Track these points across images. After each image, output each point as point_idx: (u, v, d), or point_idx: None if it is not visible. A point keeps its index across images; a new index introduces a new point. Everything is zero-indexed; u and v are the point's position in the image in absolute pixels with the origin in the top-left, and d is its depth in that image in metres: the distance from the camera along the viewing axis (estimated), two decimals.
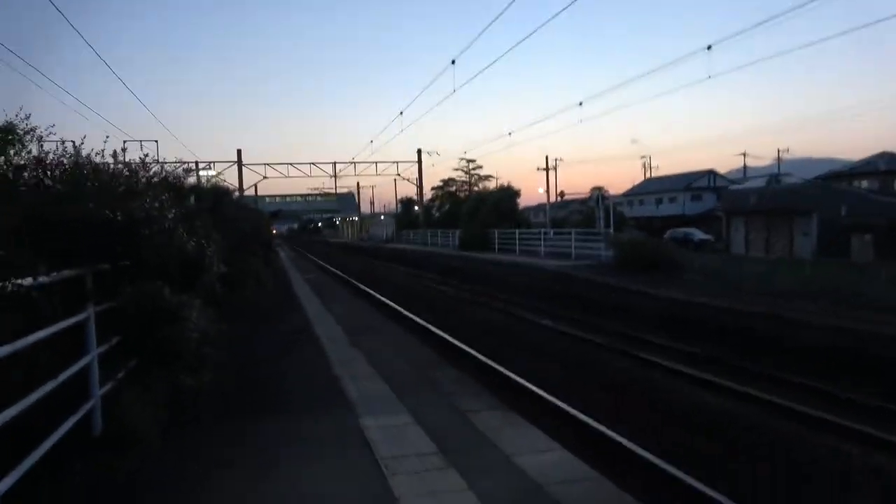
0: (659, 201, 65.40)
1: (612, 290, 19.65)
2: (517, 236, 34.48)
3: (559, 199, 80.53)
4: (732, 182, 64.34)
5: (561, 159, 56.96)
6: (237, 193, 42.98)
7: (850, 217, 35.13)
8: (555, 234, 33.63)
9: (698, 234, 47.88)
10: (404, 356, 9.57)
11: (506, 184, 42.28)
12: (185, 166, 15.29)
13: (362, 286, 23.46)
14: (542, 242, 31.84)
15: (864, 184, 49.05)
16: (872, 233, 33.09)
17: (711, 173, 64.46)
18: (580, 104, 33.32)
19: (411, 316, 15.40)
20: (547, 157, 43.22)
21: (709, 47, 21.00)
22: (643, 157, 71.13)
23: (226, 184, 15.15)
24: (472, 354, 10.94)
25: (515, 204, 40.08)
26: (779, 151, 62.17)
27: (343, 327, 12.45)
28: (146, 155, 8.11)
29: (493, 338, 13.52)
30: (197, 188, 15.55)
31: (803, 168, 79.07)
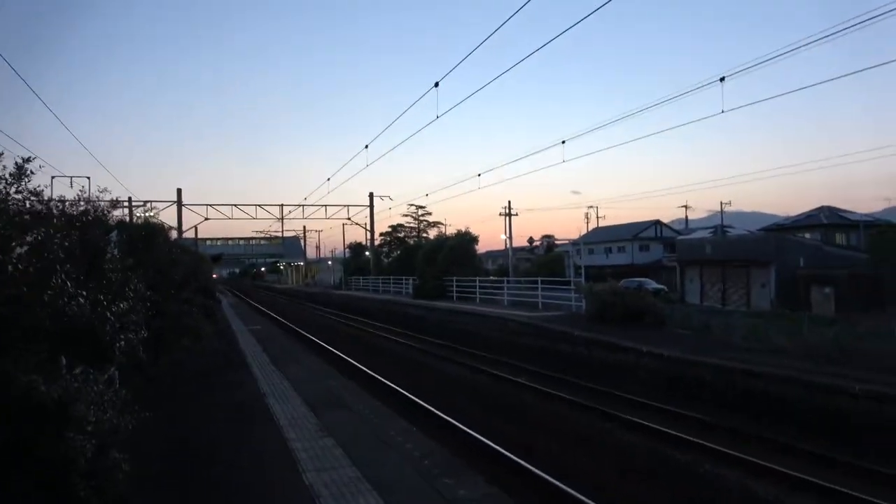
0: (608, 251, 64.75)
1: (600, 347, 17.44)
2: (478, 284, 32.22)
3: (504, 246, 79.53)
4: (678, 233, 64.37)
5: (507, 208, 55.66)
6: (175, 234, 39.46)
7: (808, 268, 34.46)
8: (517, 282, 31.52)
9: (652, 284, 46.73)
10: (394, 448, 6.99)
11: (455, 231, 40.19)
12: (112, 199, 12.45)
13: (316, 340, 20.64)
14: (506, 291, 29.65)
15: (807, 236, 49.33)
16: (833, 285, 32.38)
17: (657, 224, 64.38)
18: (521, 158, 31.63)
19: (384, 381, 12.75)
20: (509, 203, 41.33)
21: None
22: (591, 207, 70.80)
23: (161, 223, 12.39)
24: (491, 449, 8.43)
25: (474, 250, 37.92)
26: (721, 204, 62.57)
27: (304, 399, 9.76)
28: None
29: (487, 410, 11.06)
30: (123, 224, 12.71)
31: (738, 221, 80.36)
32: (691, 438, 9.30)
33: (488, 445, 8.26)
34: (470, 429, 9.00)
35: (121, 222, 12.91)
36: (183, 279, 12.43)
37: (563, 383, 14.32)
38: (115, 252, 9.80)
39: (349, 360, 15.98)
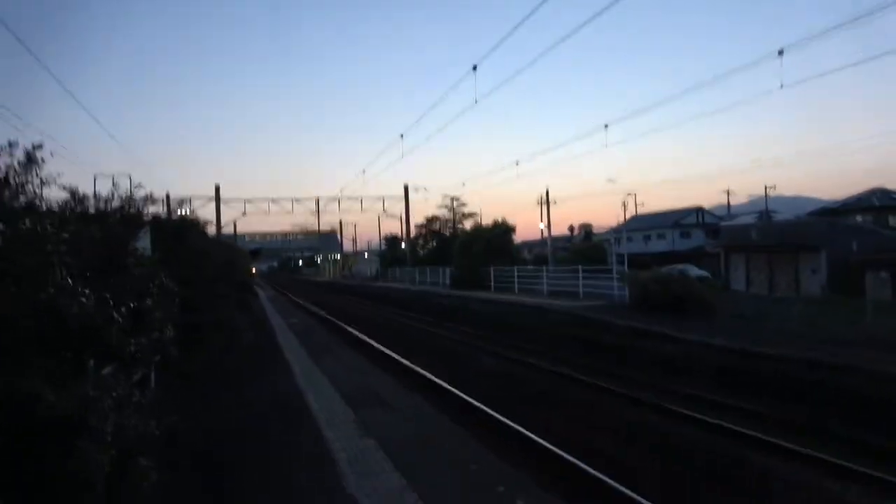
0: (647, 238, 63.20)
1: (647, 337, 16.66)
2: (516, 273, 31.53)
3: (541, 235, 78.35)
4: (720, 219, 62.49)
5: (546, 196, 54.73)
6: (213, 230, 39.73)
7: (862, 253, 32.84)
8: (557, 271, 30.74)
9: (695, 271, 45.30)
10: (447, 459, 6.44)
11: (492, 221, 39.44)
12: (146, 195, 12.16)
13: (355, 331, 20.25)
14: (545, 280, 28.91)
15: (859, 219, 47.28)
16: (889, 269, 30.78)
17: (699, 210, 62.59)
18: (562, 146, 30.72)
19: (426, 374, 12.21)
20: (547, 191, 40.43)
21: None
22: (629, 194, 68.80)
23: (196, 217, 12.07)
24: (552, 453, 7.78)
25: (511, 240, 37.22)
26: (766, 188, 60.42)
27: (342, 394, 9.31)
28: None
29: (533, 405, 10.45)
30: (157, 220, 12.41)
31: (781, 206, 77.63)
32: (761, 436, 8.57)
33: (548, 448, 7.59)
34: (523, 427, 8.38)
35: (155, 218, 12.63)
36: (217, 273, 12.10)
37: (611, 376, 13.62)
38: (144, 247, 9.48)
39: (388, 352, 15.51)
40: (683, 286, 20.53)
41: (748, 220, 56.10)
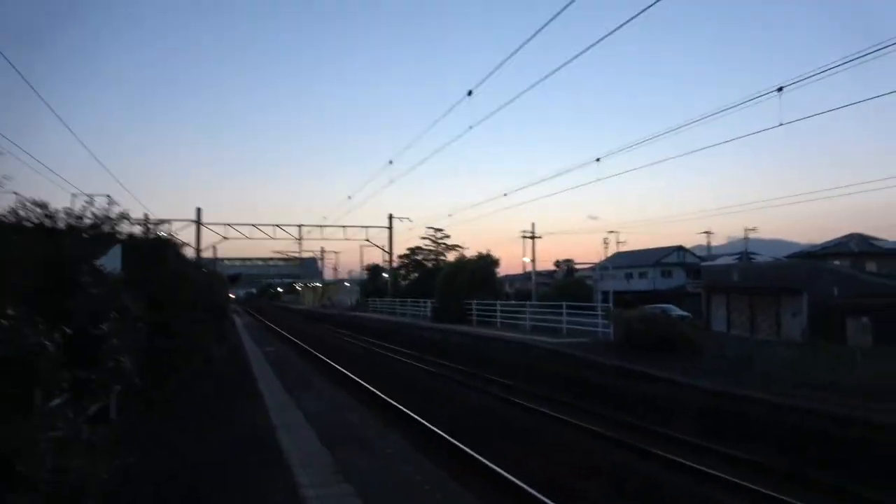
0: (629, 276, 63.28)
1: (633, 377, 16.23)
2: (498, 308, 31.09)
3: (523, 269, 78.16)
4: (701, 259, 62.82)
5: (532, 230, 54.80)
6: (193, 253, 38.91)
7: (842, 297, 32.89)
8: (540, 307, 30.34)
9: (676, 311, 45.22)
10: (423, 499, 5.92)
11: (474, 253, 39.05)
12: (121, 213, 11.61)
13: (334, 364, 19.61)
14: (528, 316, 28.48)
15: (837, 264, 47.70)
16: (869, 315, 30.81)
17: (680, 249, 62.94)
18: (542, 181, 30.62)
19: (407, 412, 11.65)
20: (533, 225, 40.22)
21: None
22: (611, 231, 68.75)
23: (172, 237, 11.50)
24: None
25: (494, 273, 36.82)
26: (746, 231, 60.90)
27: (319, 434, 8.71)
28: None
29: (519, 445, 9.94)
30: (133, 239, 11.83)
31: (758, 248, 78.38)
32: (756, 488, 8.14)
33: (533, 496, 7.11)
34: (509, 473, 7.86)
35: (131, 237, 12.06)
36: (194, 297, 11.51)
37: (595, 416, 13.14)
38: (114, 267, 8.90)
39: (368, 386, 14.93)
40: (668, 326, 20.25)
41: (728, 261, 56.39)
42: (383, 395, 13.47)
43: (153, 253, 10.73)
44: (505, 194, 29.38)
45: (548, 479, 8.20)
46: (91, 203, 10.75)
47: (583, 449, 10.41)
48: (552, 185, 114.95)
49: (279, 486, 6.16)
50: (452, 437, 9.59)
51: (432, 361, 22.56)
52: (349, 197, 34.01)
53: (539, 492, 7.08)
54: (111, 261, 8.97)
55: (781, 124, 13.63)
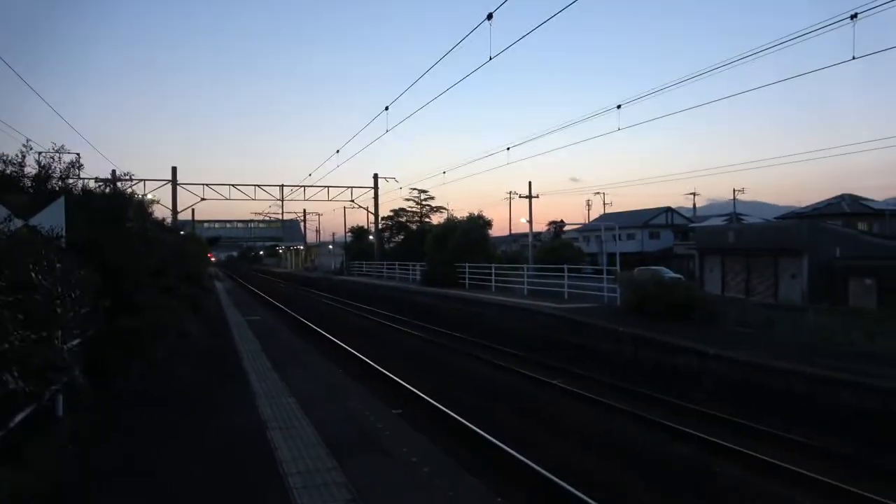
0: (617, 238, 61.88)
1: (653, 347, 14.61)
2: (493, 271, 29.33)
3: (510, 232, 76.36)
4: (689, 220, 61.61)
5: (517, 192, 53.06)
6: (169, 216, 36.60)
7: (845, 259, 31.67)
8: (538, 269, 28.62)
9: (669, 273, 43.98)
10: None
11: (460, 216, 37.02)
12: (72, 161, 9.50)
13: (326, 334, 17.78)
14: (525, 279, 26.78)
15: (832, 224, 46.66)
16: (873, 276, 29.64)
17: (669, 211, 61.57)
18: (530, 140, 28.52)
19: (434, 403, 9.83)
20: (530, 184, 38.11)
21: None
22: (597, 193, 66.54)
23: (133, 192, 9.38)
24: None
25: (487, 235, 34.94)
26: (734, 192, 59.65)
27: (319, 429, 6.91)
28: None
29: (551, 432, 8.25)
30: (88, 193, 9.75)
31: (742, 210, 77.38)
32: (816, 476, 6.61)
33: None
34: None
35: (83, 190, 9.95)
36: (162, 263, 9.49)
37: (631, 396, 11.52)
38: (53, 225, 6.89)
39: (368, 361, 13.13)
40: (685, 291, 18.72)
41: (718, 222, 55.18)
42: (387, 373, 11.70)
43: (111, 210, 8.67)
44: (508, 148, 27.30)
45: (606, 481, 6.55)
46: (27, 147, 8.65)
47: (633, 439, 8.76)
48: (547, 142, 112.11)
49: None
50: (487, 434, 7.88)
51: (430, 329, 20.86)
52: (337, 151, 31.77)
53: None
54: (50, 217, 6.94)
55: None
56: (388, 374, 11.76)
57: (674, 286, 18.83)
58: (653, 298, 18.41)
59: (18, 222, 6.59)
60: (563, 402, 11.25)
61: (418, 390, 10.32)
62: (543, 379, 12.82)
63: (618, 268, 22.51)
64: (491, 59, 14.45)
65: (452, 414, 8.94)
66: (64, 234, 7.02)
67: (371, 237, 55.25)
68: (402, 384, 10.84)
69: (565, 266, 24.64)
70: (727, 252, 38.62)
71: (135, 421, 7.20)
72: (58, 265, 5.99)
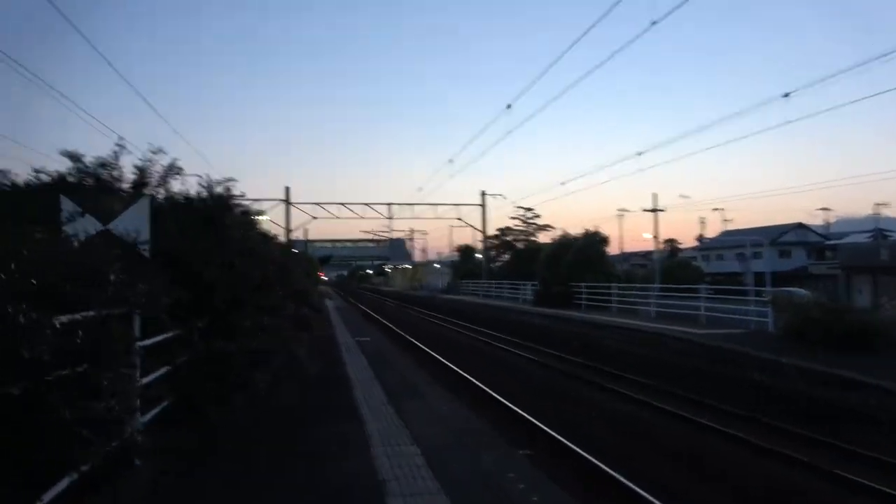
0: (741, 257, 56.70)
1: (840, 387, 11.79)
2: (614, 291, 26.75)
3: (620, 251, 72.30)
4: (824, 237, 55.57)
5: (626, 210, 49.87)
6: (281, 236, 36.70)
7: None
8: (668, 289, 25.70)
9: (805, 294, 39.31)
10: None
11: (582, 231, 34.51)
12: (170, 164, 8.37)
13: (443, 360, 16.24)
14: (653, 301, 24.03)
15: None
16: None
17: (801, 227, 55.83)
18: (638, 154, 26.10)
19: (584, 455, 7.85)
20: (655, 196, 34.96)
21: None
22: (715, 209, 60.86)
23: (230, 192, 8.09)
24: None
25: (604, 253, 32.35)
26: (876, 206, 53.07)
27: (452, 496, 5.11)
28: None
29: None
30: (189, 200, 8.59)
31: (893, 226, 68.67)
32: None
33: None
34: None
35: (186, 198, 8.82)
36: (265, 279, 8.13)
37: (824, 449, 8.95)
38: (134, 230, 5.58)
39: (497, 397, 11.28)
40: (861, 316, 15.64)
41: (862, 239, 49.20)
42: (525, 414, 9.81)
43: (207, 218, 7.40)
44: (639, 153, 25.04)
45: None
46: (120, 146, 7.55)
47: None
48: (645, 159, 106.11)
49: None
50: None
51: (553, 356, 18.77)
52: (450, 160, 30.64)
53: None
54: (131, 221, 5.64)
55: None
56: (522, 412, 9.86)
57: (845, 311, 15.83)
58: (817, 324, 15.49)
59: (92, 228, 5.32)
60: (724, 448, 8.93)
61: (564, 438, 8.34)
62: (689, 416, 10.52)
63: (768, 287, 19.41)
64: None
65: (609, 470, 6.89)
66: (148, 239, 5.71)
67: (478, 255, 53.75)
68: (546, 431, 8.91)
69: (702, 287, 21.77)
70: (879, 271, 33.78)
71: (224, 471, 5.73)
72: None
